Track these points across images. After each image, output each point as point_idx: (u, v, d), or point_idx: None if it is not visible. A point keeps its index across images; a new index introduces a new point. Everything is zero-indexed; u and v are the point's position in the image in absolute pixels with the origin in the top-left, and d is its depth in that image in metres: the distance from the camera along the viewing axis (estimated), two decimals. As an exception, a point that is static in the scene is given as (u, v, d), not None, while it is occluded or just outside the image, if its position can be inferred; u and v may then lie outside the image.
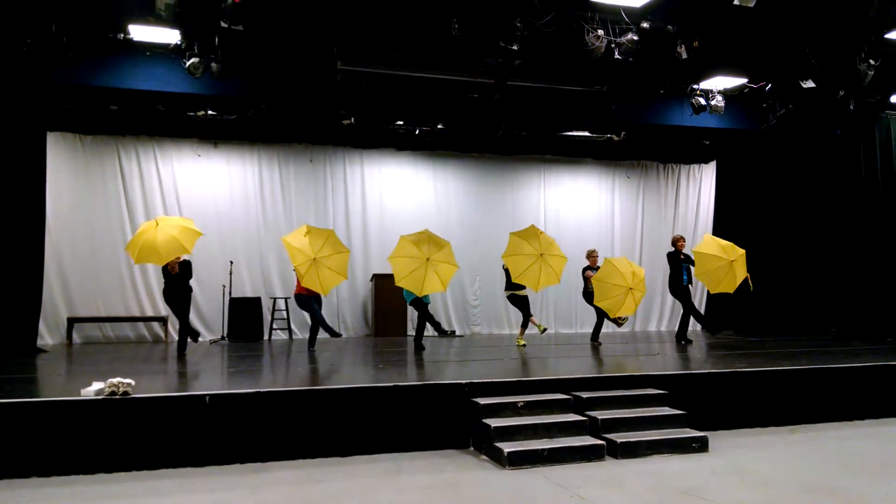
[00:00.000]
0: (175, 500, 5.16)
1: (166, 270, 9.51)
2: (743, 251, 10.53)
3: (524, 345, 10.97)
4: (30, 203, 10.75)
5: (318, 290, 9.63)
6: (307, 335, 10.82)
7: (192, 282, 12.62)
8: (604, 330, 11.62)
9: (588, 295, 11.33)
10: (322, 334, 10.77)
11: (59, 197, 12.01)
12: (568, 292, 13.38)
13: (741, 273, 10.34)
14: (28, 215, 10.69)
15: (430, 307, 10.67)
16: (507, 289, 10.98)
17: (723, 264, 10.28)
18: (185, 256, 9.52)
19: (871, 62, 10.03)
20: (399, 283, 9.86)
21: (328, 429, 6.37)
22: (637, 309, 10.88)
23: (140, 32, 9.38)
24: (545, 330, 11.58)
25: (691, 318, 11.59)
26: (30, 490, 5.37)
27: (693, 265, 10.91)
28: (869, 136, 12.55)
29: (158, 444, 5.93)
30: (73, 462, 5.72)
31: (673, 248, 11.37)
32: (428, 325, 10.87)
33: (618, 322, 11.28)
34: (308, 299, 10.29)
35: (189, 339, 10.06)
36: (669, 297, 14.07)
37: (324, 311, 13.20)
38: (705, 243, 10.66)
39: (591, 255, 11.56)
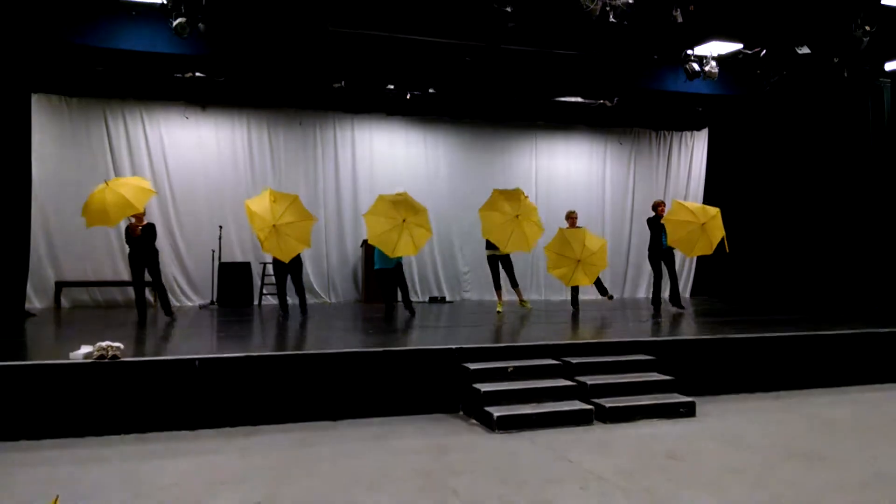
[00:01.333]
0: (165, 464, 5.18)
1: (129, 235, 9.30)
2: (717, 210, 10.44)
3: (501, 312, 10.89)
4: (15, 166, 10.60)
5: (280, 256, 9.47)
6: (297, 301, 10.79)
7: (180, 245, 12.65)
8: (593, 297, 11.66)
9: None
10: (291, 298, 10.79)
11: (45, 160, 11.84)
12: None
13: (717, 234, 10.27)
14: (13, 179, 10.55)
15: (417, 272, 10.69)
16: (487, 248, 10.83)
17: (694, 228, 10.22)
18: (147, 219, 9.42)
19: (867, 28, 9.93)
20: (371, 240, 9.82)
21: (318, 393, 6.39)
22: (595, 279, 10.78)
23: (125, -10, 9.17)
24: (500, 312, 11.05)
25: (679, 281, 11.59)
26: (19, 453, 5.38)
27: None
28: (863, 103, 12.51)
29: (148, 407, 5.94)
30: (62, 425, 5.73)
31: (654, 213, 11.34)
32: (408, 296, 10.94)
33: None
34: (280, 268, 10.24)
35: (139, 311, 9.64)
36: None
37: (314, 276, 13.31)
38: (673, 210, 10.61)
39: (570, 217, 11.41)
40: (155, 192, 9.34)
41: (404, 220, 9.67)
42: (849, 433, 6.21)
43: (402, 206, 9.81)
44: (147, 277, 9.62)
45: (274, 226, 9.18)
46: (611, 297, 11.84)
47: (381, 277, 10.66)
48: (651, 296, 11.72)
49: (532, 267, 14.62)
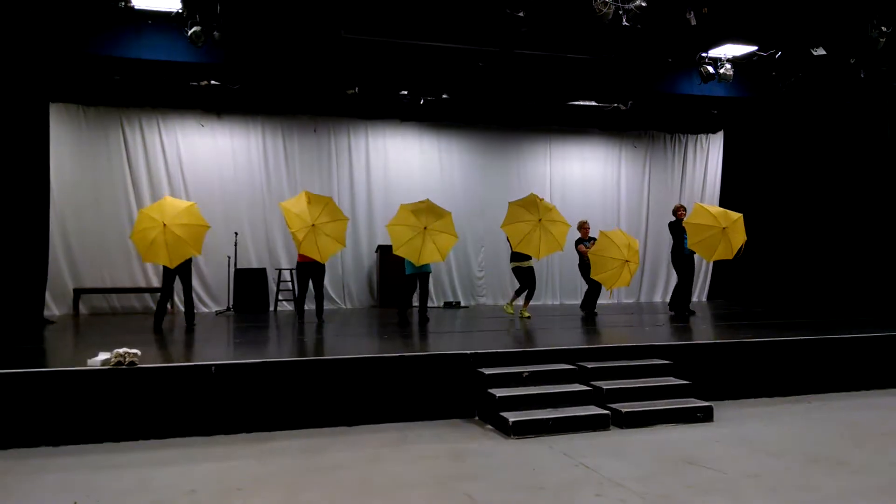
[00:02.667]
0: (182, 469, 5.20)
1: None
2: (738, 216, 10.34)
3: (528, 316, 10.93)
4: (34, 174, 10.69)
5: (317, 257, 9.57)
6: (313, 307, 10.81)
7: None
8: (609, 301, 11.58)
9: (584, 267, 11.31)
10: (309, 304, 10.81)
11: (63, 168, 11.97)
12: (572, 263, 13.28)
13: (739, 238, 10.17)
14: (32, 187, 10.65)
15: (432, 277, 10.63)
16: (511, 261, 10.95)
17: (715, 232, 10.12)
18: None
19: (884, 29, 9.85)
20: (397, 251, 9.88)
21: (334, 399, 6.40)
22: (631, 280, 10.80)
23: (141, 0, 9.25)
24: (524, 315, 11.08)
25: (695, 285, 11.49)
26: (39, 459, 5.42)
27: None
28: (880, 105, 12.39)
29: (165, 413, 5.97)
30: (80, 432, 5.77)
31: (674, 218, 11.28)
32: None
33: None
34: (305, 272, 10.28)
35: (158, 316, 9.57)
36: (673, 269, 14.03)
37: (329, 282, 13.32)
38: (695, 213, 10.53)
39: (583, 227, 11.49)
40: (209, 227, 9.35)
41: (426, 228, 9.74)
42: (869, 438, 6.13)
43: (423, 214, 9.88)
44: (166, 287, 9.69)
45: (313, 225, 9.35)
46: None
47: (408, 283, 10.57)
48: (670, 300, 11.64)
49: (548, 272, 14.60)
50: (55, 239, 11.74)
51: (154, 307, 12.56)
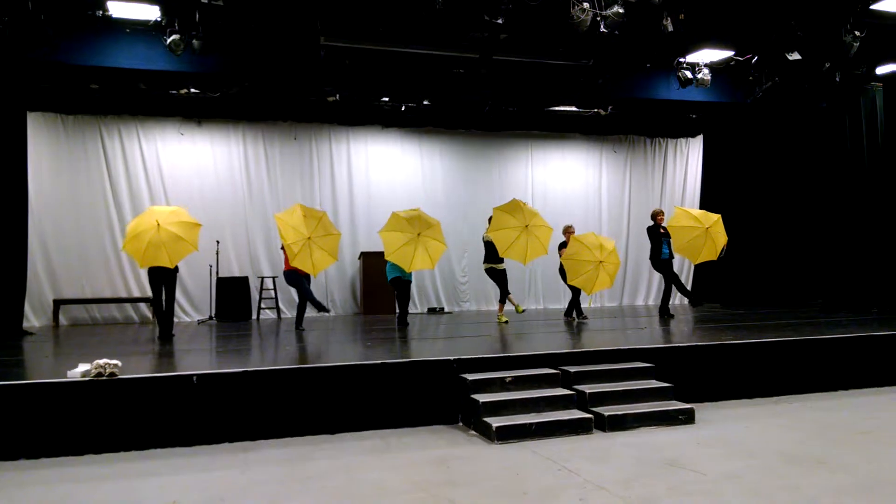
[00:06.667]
0: (165, 481, 5.16)
1: None
2: (718, 216, 10.52)
3: (506, 321, 10.95)
4: (11, 184, 10.60)
5: (309, 270, 9.60)
6: (295, 314, 10.78)
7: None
8: (593, 305, 11.62)
9: (563, 272, 11.37)
10: (309, 311, 10.78)
11: (42, 177, 11.88)
12: (556, 267, 13.38)
13: (721, 238, 10.35)
14: (10, 196, 10.55)
15: (415, 283, 10.66)
16: (485, 262, 10.95)
17: (699, 233, 10.29)
18: None
19: (857, 33, 10.02)
20: (389, 256, 9.90)
21: (317, 407, 6.38)
22: (614, 281, 10.85)
23: (119, 9, 9.23)
24: (523, 311, 11.59)
25: (673, 292, 11.59)
26: (18, 472, 5.36)
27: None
28: (854, 108, 12.58)
29: (146, 424, 5.93)
30: (61, 444, 5.71)
31: (652, 222, 11.39)
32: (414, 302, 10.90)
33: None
34: (297, 276, 10.28)
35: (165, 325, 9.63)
36: (656, 272, 14.14)
37: (312, 289, 13.27)
38: (676, 217, 10.65)
39: (567, 231, 11.55)
40: (201, 225, 9.38)
41: (419, 235, 9.76)
42: (848, 437, 6.20)
43: (416, 221, 9.92)
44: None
45: (309, 238, 9.33)
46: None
47: (397, 285, 10.61)
48: (660, 304, 11.73)
49: (530, 276, 14.66)
50: (34, 249, 11.64)
51: (135, 317, 12.54)
